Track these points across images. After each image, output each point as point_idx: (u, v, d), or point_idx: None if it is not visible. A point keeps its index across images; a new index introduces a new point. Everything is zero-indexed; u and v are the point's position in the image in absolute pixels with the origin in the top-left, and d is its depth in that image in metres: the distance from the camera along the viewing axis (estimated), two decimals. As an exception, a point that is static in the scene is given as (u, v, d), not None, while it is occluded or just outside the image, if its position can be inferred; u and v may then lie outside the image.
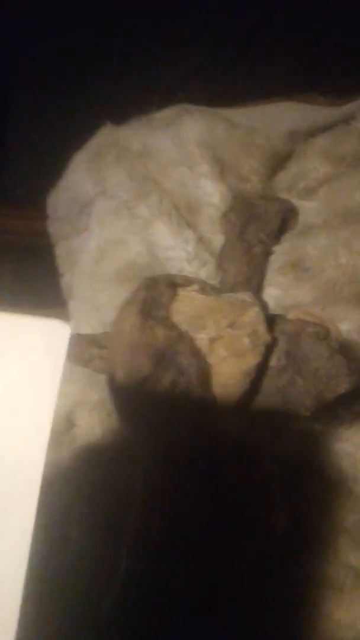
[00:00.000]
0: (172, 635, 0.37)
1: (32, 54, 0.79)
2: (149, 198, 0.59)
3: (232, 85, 0.73)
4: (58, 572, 0.49)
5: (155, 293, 0.39)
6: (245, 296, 0.40)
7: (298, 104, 0.60)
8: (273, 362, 0.39)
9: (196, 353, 0.38)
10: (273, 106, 0.61)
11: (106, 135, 0.66)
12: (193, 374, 0.37)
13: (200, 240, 0.57)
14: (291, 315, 0.41)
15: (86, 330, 0.57)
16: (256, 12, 0.72)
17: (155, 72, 0.76)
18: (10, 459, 0.25)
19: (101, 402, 0.53)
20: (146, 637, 0.37)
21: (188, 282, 0.42)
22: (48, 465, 0.58)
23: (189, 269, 0.56)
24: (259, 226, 0.55)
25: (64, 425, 0.56)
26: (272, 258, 0.55)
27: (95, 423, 0.55)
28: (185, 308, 0.39)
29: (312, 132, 0.57)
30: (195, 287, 0.40)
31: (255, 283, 0.54)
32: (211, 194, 0.59)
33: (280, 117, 0.60)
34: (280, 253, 0.55)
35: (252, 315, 0.39)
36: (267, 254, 0.55)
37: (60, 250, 0.71)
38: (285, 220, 0.56)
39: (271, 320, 0.41)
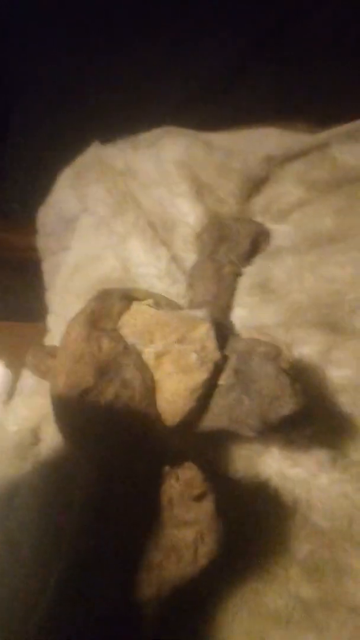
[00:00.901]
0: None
1: (30, 76, 0.82)
2: (126, 215, 0.60)
3: (220, 112, 0.75)
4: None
5: (106, 304, 0.39)
6: (199, 312, 0.40)
7: (277, 130, 0.61)
8: (222, 379, 0.39)
9: (142, 367, 0.37)
10: (252, 131, 0.62)
11: (92, 154, 0.67)
12: (137, 388, 0.37)
13: (173, 259, 0.58)
14: (245, 334, 0.41)
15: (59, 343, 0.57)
16: (244, 42, 0.74)
17: (147, 98, 0.78)
18: None
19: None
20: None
21: (145, 296, 0.42)
22: (10, 480, 0.57)
23: (160, 286, 0.56)
24: (229, 247, 0.56)
25: (29, 440, 0.55)
26: (241, 279, 0.55)
27: (60, 438, 0.54)
28: (136, 321, 0.39)
29: (289, 158, 0.58)
30: (150, 301, 0.40)
31: (223, 303, 0.54)
32: (187, 213, 0.59)
33: (258, 141, 0.61)
34: (249, 274, 0.55)
35: (202, 331, 0.38)
36: (237, 274, 0.55)
37: (46, 266, 0.71)
38: (256, 242, 0.56)
39: (224, 338, 0.40)
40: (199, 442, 0.47)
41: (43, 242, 0.73)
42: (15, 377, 0.61)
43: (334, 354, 0.49)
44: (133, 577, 0.34)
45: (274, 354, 0.39)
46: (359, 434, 0.48)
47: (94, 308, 0.38)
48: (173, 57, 0.77)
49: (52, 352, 0.48)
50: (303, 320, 0.50)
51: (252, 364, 0.39)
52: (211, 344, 0.39)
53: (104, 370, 0.37)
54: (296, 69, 0.70)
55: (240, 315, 0.53)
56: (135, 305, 0.40)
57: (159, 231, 0.60)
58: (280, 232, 0.56)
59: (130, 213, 0.60)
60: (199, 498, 0.35)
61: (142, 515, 0.36)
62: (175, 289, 0.56)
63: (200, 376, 0.38)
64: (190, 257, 0.59)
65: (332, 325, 0.50)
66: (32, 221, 0.74)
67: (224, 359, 0.39)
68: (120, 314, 0.39)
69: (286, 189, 0.57)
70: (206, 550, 0.35)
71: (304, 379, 0.41)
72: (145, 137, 0.67)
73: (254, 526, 0.47)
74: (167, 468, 0.37)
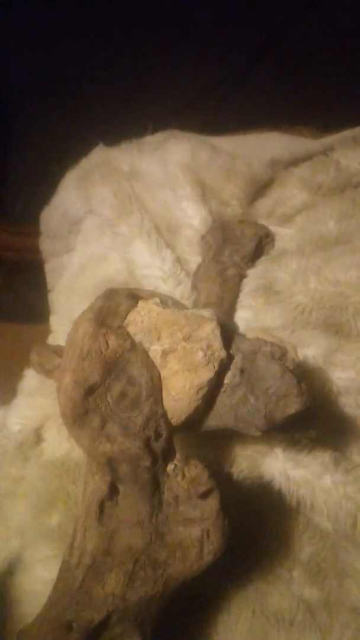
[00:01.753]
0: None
1: (33, 77, 0.83)
2: (131, 217, 0.61)
3: (222, 117, 0.76)
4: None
5: (113, 302, 0.39)
6: (204, 312, 0.40)
7: (281, 135, 0.62)
8: (227, 379, 0.39)
9: (148, 364, 0.38)
10: (257, 135, 0.63)
11: (97, 156, 0.68)
12: (143, 385, 0.37)
13: (178, 261, 0.58)
14: (250, 334, 0.41)
15: (63, 343, 0.57)
16: (248, 48, 0.75)
17: (152, 101, 0.79)
18: None
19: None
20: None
21: (150, 295, 0.42)
22: (13, 479, 0.57)
23: (164, 288, 0.57)
24: (234, 249, 0.56)
25: (32, 440, 0.55)
26: (246, 281, 0.55)
27: (63, 438, 0.54)
28: (142, 319, 0.39)
29: (293, 162, 0.59)
30: (156, 300, 0.41)
31: (227, 304, 0.55)
32: (191, 216, 0.60)
33: (263, 146, 0.61)
34: (253, 276, 0.55)
35: (208, 330, 0.39)
36: (241, 276, 0.56)
37: (49, 267, 0.72)
38: (261, 245, 0.57)
39: (229, 338, 0.41)
40: (202, 442, 0.48)
41: (47, 243, 0.73)
42: (16, 378, 0.61)
43: (338, 356, 0.50)
44: (139, 574, 0.34)
45: (279, 353, 0.39)
46: (363, 435, 0.48)
47: (101, 306, 0.39)
48: (175, 63, 0.77)
49: (57, 351, 0.48)
50: (307, 323, 0.51)
51: (258, 364, 0.39)
52: (217, 343, 0.39)
53: (111, 367, 0.37)
54: (296, 74, 0.71)
55: (245, 317, 0.54)
56: (141, 304, 0.40)
57: (163, 233, 0.60)
58: (285, 235, 0.57)
59: (135, 215, 0.61)
60: (205, 495, 0.35)
61: (148, 513, 0.36)
62: (179, 291, 0.56)
63: (206, 374, 0.38)
64: (194, 260, 0.59)
65: (336, 327, 0.50)
66: (34, 223, 0.75)
67: (229, 358, 0.39)
68: (127, 312, 0.39)
69: (291, 192, 0.58)
70: (212, 548, 0.35)
71: (308, 381, 0.41)
72: (150, 140, 0.67)
73: (257, 527, 0.47)
74: (172, 465, 0.37)
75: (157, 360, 0.38)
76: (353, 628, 0.43)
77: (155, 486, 0.37)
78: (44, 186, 0.72)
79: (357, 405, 0.49)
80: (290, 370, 0.38)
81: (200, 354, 0.38)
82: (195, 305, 0.55)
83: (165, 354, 0.38)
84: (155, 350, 0.38)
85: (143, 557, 0.35)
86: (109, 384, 0.37)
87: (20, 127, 0.86)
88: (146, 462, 0.36)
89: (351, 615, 0.43)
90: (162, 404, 0.38)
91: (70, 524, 0.48)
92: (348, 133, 0.57)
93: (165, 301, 0.42)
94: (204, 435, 0.44)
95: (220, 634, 0.44)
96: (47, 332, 0.64)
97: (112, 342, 0.37)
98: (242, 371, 0.39)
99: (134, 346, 0.38)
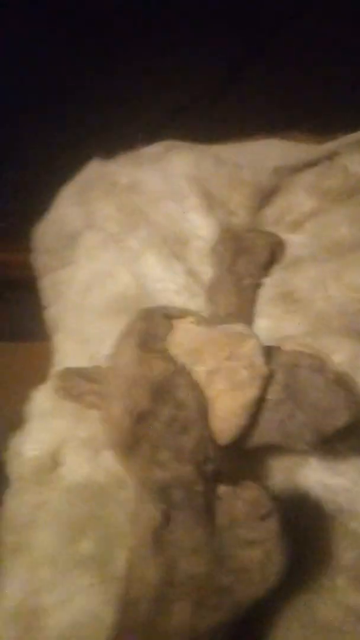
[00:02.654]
0: None
1: (23, 91, 0.81)
2: (138, 230, 0.60)
3: (213, 124, 0.75)
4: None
5: (151, 325, 0.38)
6: (241, 328, 0.40)
7: (281, 142, 0.62)
8: (271, 394, 0.39)
9: (194, 386, 0.37)
10: (258, 143, 0.63)
11: (94, 170, 0.66)
12: (192, 408, 0.36)
13: (189, 273, 0.58)
14: (287, 346, 0.41)
15: (72, 364, 0.55)
16: (239, 53, 0.75)
17: (140, 109, 0.78)
18: None
19: (89, 439, 0.51)
20: None
21: (182, 313, 0.42)
22: (32, 507, 0.55)
23: (179, 301, 0.56)
24: (248, 259, 0.56)
25: (48, 465, 0.53)
26: (262, 290, 0.55)
27: (82, 461, 0.53)
28: (182, 340, 0.38)
29: (297, 168, 0.59)
30: (191, 318, 0.40)
31: (246, 314, 0.54)
32: (200, 227, 0.59)
33: (265, 153, 0.61)
34: (270, 285, 0.55)
35: (249, 347, 0.38)
36: (257, 286, 0.56)
37: (45, 283, 0.70)
38: (273, 253, 0.57)
39: (267, 352, 0.40)
40: (235, 457, 0.47)
41: (41, 259, 0.72)
42: (9, 395, 0.59)
43: (364, 361, 0.50)
44: (205, 602, 0.34)
45: (319, 365, 0.39)
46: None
47: (140, 329, 0.38)
48: (167, 68, 0.77)
49: (81, 374, 0.46)
50: (330, 329, 0.51)
51: (300, 377, 0.39)
52: (258, 360, 0.38)
53: (158, 392, 0.36)
54: (290, 77, 0.72)
55: (265, 326, 0.53)
56: (177, 324, 0.40)
57: (172, 246, 0.60)
58: (296, 242, 0.57)
59: (141, 229, 0.60)
60: (265, 517, 0.35)
61: (204, 538, 0.35)
62: (193, 303, 0.56)
63: (252, 392, 0.38)
64: (205, 270, 0.59)
65: (359, 332, 0.51)
66: (21, 239, 0.73)
67: (271, 373, 0.39)
68: (166, 334, 0.38)
69: (298, 199, 0.58)
70: (274, 570, 0.34)
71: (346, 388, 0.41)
72: (149, 152, 0.66)
73: (297, 537, 0.46)
74: (223, 488, 0.37)
75: (202, 381, 0.37)
76: None
77: (208, 510, 0.36)
78: (31, 202, 0.70)
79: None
80: (333, 381, 0.38)
81: (244, 372, 0.38)
82: (213, 317, 0.54)
83: (210, 374, 0.37)
84: (198, 372, 0.38)
85: (206, 584, 0.34)
86: (157, 410, 0.36)
87: (8, 142, 0.84)
88: (200, 486, 0.35)
89: None
90: (209, 425, 0.37)
91: (105, 550, 0.46)
92: (353, 137, 0.58)
93: (199, 319, 0.41)
94: (243, 453, 0.43)
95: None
96: (41, 350, 0.62)
97: (157, 366, 0.36)
98: (285, 386, 0.39)
99: (179, 369, 0.37)
